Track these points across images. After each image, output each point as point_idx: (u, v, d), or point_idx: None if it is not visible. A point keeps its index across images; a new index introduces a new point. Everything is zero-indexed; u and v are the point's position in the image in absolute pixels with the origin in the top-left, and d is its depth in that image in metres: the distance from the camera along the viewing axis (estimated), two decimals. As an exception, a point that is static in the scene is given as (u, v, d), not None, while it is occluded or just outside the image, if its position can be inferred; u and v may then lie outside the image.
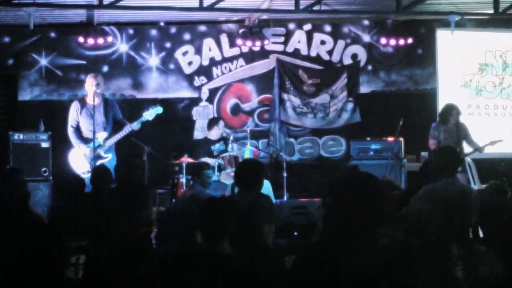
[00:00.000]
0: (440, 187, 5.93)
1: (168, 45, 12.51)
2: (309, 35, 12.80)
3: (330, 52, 12.83)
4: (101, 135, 9.53)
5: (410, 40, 12.43)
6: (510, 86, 12.62)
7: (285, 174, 10.87)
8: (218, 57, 12.64)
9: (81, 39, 11.73)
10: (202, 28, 12.60)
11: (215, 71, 12.64)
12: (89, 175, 8.65)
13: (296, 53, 12.79)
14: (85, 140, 9.61)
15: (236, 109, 12.77)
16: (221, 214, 4.12)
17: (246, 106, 12.80)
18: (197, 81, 12.60)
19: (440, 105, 11.45)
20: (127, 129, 9.58)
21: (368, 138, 11.81)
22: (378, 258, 2.81)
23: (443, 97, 12.09)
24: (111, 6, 9.70)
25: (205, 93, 12.63)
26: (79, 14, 11.47)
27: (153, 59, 12.47)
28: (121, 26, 12.28)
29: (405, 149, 11.55)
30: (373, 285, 2.77)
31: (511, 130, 12.30)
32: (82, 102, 9.73)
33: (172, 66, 12.52)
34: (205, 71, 12.61)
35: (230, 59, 12.67)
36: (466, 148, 10.71)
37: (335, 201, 2.99)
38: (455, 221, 5.77)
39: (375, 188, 3.03)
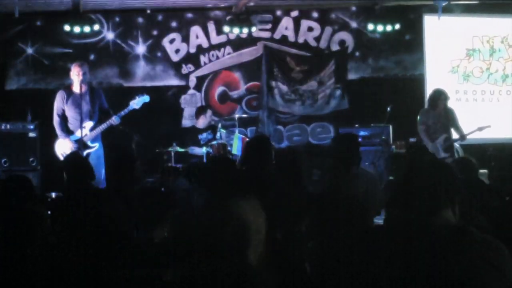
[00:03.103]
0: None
1: (155, 32, 12.45)
2: (297, 22, 12.76)
3: (317, 39, 12.81)
4: (88, 124, 9.47)
5: (397, 26, 12.39)
6: (498, 71, 12.67)
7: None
8: (205, 45, 12.59)
9: (67, 27, 11.60)
10: (189, 15, 12.55)
11: (203, 58, 12.59)
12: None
13: (283, 40, 12.75)
14: (69, 132, 9.53)
15: (224, 97, 12.74)
16: (158, 203, 4.08)
17: (234, 94, 12.77)
18: (185, 69, 12.56)
19: (428, 91, 11.50)
20: (108, 123, 9.50)
21: (357, 125, 11.83)
22: (435, 245, 2.75)
23: (431, 83, 12.13)
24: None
25: (192, 81, 12.59)
26: (65, 1, 11.38)
27: (140, 47, 12.40)
28: (107, 14, 12.20)
29: (394, 135, 11.57)
30: (430, 273, 2.70)
31: (499, 116, 12.35)
32: (68, 91, 9.61)
33: (159, 54, 12.46)
34: (192, 58, 12.56)
35: (218, 47, 12.62)
36: (454, 133, 10.75)
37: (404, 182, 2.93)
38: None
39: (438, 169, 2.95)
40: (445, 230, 2.78)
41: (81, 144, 9.34)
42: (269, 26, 12.70)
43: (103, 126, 9.52)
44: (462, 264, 2.70)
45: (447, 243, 2.74)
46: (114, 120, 9.45)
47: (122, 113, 9.52)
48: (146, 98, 9.82)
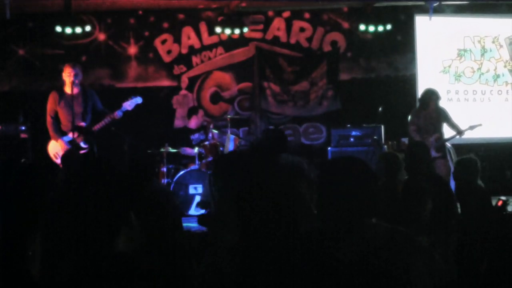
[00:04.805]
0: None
1: (146, 33, 12.44)
2: (289, 23, 12.78)
3: (309, 39, 12.83)
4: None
5: (389, 27, 12.41)
6: (489, 71, 12.69)
7: (266, 162, 10.82)
8: (197, 45, 12.59)
9: (58, 29, 11.58)
10: (181, 16, 12.54)
11: (195, 59, 12.60)
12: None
13: (275, 41, 12.77)
14: (62, 133, 9.52)
15: (216, 98, 12.74)
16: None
17: (226, 95, 12.78)
18: (177, 70, 12.56)
19: (420, 91, 11.49)
20: (110, 117, 9.49)
21: (349, 125, 11.84)
22: (365, 247, 2.77)
23: (422, 83, 12.14)
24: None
25: (184, 82, 12.59)
26: (57, 3, 11.35)
27: (132, 48, 12.40)
28: (99, 15, 12.19)
29: (386, 135, 11.58)
30: (361, 274, 2.73)
31: (490, 116, 12.37)
32: (61, 92, 9.61)
33: (151, 55, 12.46)
34: (184, 59, 12.56)
35: (210, 47, 12.63)
36: (447, 132, 10.76)
37: (326, 186, 2.94)
38: None
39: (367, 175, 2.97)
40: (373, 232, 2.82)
41: (73, 145, 9.33)
42: (261, 26, 12.72)
43: (106, 120, 9.51)
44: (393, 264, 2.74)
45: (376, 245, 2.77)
46: (117, 114, 9.45)
47: (121, 110, 9.51)
48: (138, 100, 9.81)
